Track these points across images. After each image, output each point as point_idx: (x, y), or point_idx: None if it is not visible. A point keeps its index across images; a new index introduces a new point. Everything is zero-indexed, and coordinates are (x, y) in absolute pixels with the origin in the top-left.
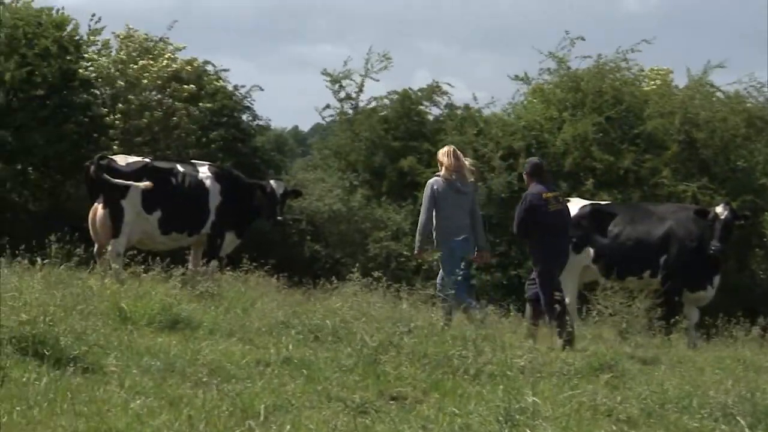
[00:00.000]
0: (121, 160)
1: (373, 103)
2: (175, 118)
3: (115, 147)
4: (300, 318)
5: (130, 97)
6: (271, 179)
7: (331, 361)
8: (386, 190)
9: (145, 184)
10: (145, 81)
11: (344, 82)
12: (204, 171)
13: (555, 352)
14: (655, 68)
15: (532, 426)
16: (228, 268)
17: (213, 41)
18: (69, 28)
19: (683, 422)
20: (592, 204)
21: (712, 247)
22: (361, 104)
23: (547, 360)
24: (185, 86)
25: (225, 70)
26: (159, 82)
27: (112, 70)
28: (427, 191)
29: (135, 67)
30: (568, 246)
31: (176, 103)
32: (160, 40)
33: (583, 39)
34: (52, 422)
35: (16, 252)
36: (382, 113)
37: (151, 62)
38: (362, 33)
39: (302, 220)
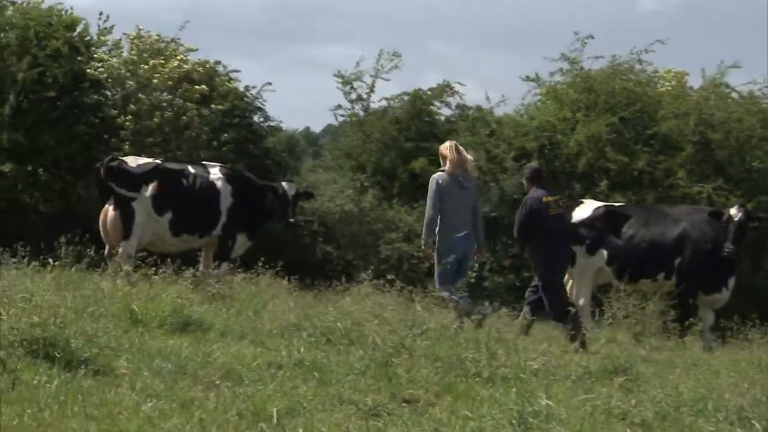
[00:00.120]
0: (132, 161)
1: (384, 104)
2: (185, 118)
3: (126, 148)
4: (312, 320)
5: (140, 96)
6: (283, 181)
7: (344, 364)
8: (397, 191)
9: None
10: (156, 81)
11: (355, 84)
12: (215, 172)
13: (569, 354)
14: (671, 69)
15: (546, 429)
16: (240, 270)
17: (223, 42)
18: (79, 28)
19: (698, 426)
20: (605, 205)
21: (726, 250)
22: (373, 105)
23: (560, 363)
24: (196, 87)
25: (236, 71)
26: (170, 82)
27: (123, 71)
28: (432, 186)
29: (146, 67)
30: (568, 250)
31: (187, 104)
32: (172, 41)
33: (592, 37)
34: (63, 425)
35: (27, 253)
36: (394, 114)
37: (162, 62)
38: (373, 33)
39: (314, 221)
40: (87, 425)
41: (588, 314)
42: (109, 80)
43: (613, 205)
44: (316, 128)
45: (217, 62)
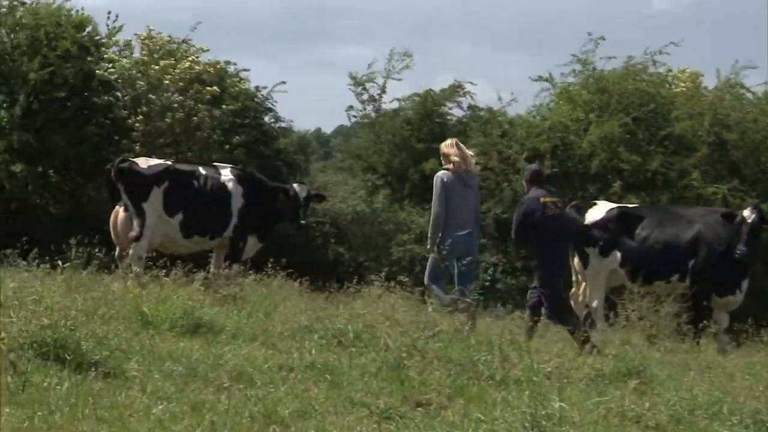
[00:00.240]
0: (143, 162)
1: (396, 105)
2: (195, 118)
3: (137, 149)
4: (323, 322)
5: (151, 96)
6: (295, 182)
7: (355, 366)
8: (408, 192)
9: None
10: (167, 82)
11: (367, 85)
12: (226, 173)
13: (582, 357)
14: (685, 70)
15: None
16: (250, 272)
17: (234, 42)
18: (88, 28)
19: (713, 429)
20: (619, 207)
21: (738, 252)
22: (384, 106)
23: (574, 365)
24: (207, 88)
25: (246, 70)
26: (181, 83)
27: (134, 72)
28: (437, 184)
29: (156, 68)
30: (566, 251)
31: (199, 105)
32: (183, 41)
33: (603, 39)
34: (74, 427)
35: (37, 255)
36: (405, 115)
37: (173, 63)
38: (386, 34)
39: (326, 222)
40: (98, 428)
41: (601, 316)
42: (119, 81)
43: (627, 207)
44: (328, 129)
45: (227, 62)
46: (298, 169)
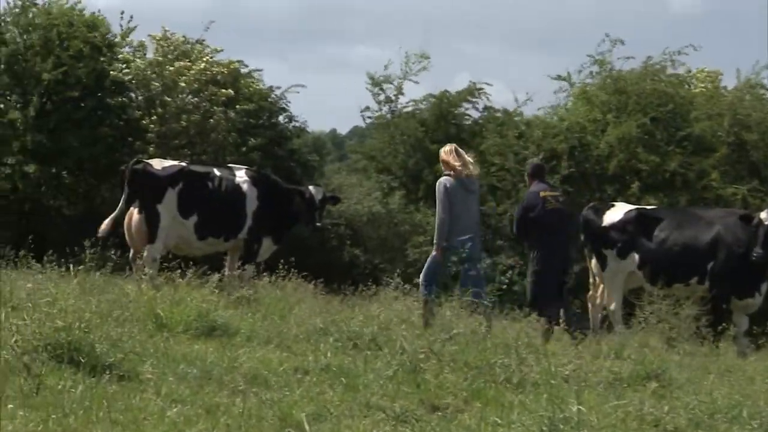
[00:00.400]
0: (157, 164)
1: (412, 106)
2: (212, 121)
3: (151, 150)
4: (338, 325)
5: (166, 99)
6: (310, 185)
7: (371, 369)
8: (423, 194)
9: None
10: (183, 84)
11: (384, 85)
12: (241, 175)
13: (599, 360)
14: (703, 69)
15: None
16: (265, 274)
17: (248, 42)
18: (101, 28)
19: None
20: (637, 208)
21: (754, 254)
22: (400, 107)
23: (592, 368)
24: (222, 90)
25: (258, 70)
26: (196, 85)
27: (148, 72)
28: (440, 190)
29: (171, 69)
30: (566, 246)
31: (214, 107)
32: (197, 42)
33: (622, 42)
34: (88, 430)
35: (51, 257)
36: (420, 116)
37: (188, 64)
38: (401, 34)
39: (341, 224)
40: (112, 431)
41: (619, 319)
42: (134, 81)
43: (645, 208)
44: (343, 130)
45: (239, 61)
46: (312, 169)
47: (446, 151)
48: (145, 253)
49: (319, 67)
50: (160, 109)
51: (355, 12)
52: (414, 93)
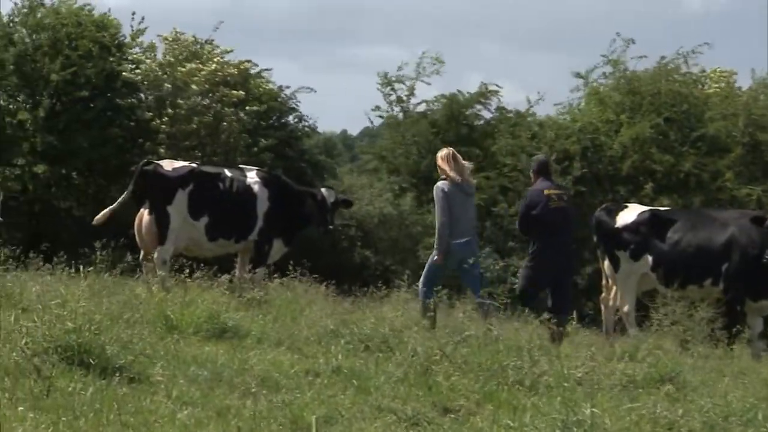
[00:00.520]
0: (168, 164)
1: (423, 107)
2: (225, 124)
3: (161, 151)
4: (350, 327)
5: (179, 101)
6: (323, 187)
7: (383, 372)
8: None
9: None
10: (194, 86)
11: (396, 86)
12: (252, 176)
13: (613, 363)
14: (717, 69)
15: None
16: (275, 276)
17: (258, 42)
18: (111, 29)
19: None
20: (650, 210)
21: (766, 257)
22: (412, 108)
23: (605, 371)
24: (234, 92)
25: (268, 69)
26: (207, 86)
27: (159, 73)
28: (438, 195)
29: (183, 70)
30: (570, 246)
31: (225, 108)
32: (206, 42)
33: (633, 42)
34: None
35: (61, 259)
36: (431, 117)
37: (200, 66)
38: (414, 34)
39: (352, 225)
40: None
41: (633, 321)
42: (145, 83)
43: (659, 210)
44: (354, 131)
45: (249, 61)
46: (323, 170)
47: (442, 157)
48: (155, 255)
49: (330, 67)
50: (170, 111)
51: (366, 12)
52: (425, 93)
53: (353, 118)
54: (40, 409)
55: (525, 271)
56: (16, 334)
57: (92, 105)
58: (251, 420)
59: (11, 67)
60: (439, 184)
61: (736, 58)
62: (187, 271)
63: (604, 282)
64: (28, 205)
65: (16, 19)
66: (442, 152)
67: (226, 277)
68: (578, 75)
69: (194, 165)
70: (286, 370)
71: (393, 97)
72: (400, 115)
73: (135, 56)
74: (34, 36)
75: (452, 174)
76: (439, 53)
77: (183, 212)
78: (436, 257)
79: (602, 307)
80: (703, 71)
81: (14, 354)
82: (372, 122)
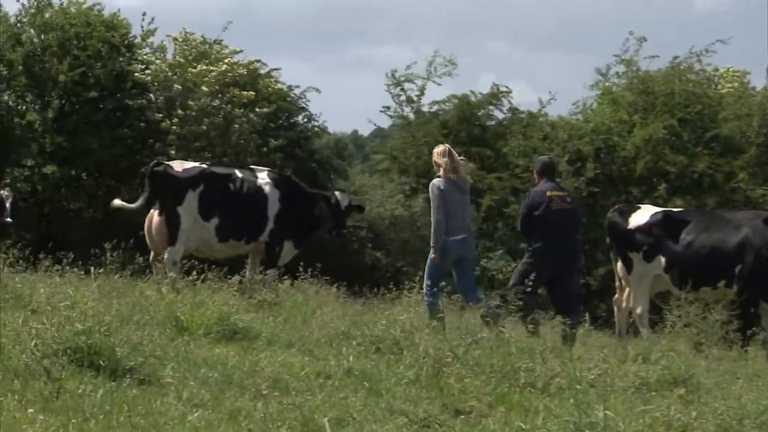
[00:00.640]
0: (178, 165)
1: (434, 108)
2: (236, 126)
3: (172, 153)
4: (361, 328)
5: (189, 102)
6: (336, 190)
7: (394, 374)
8: None
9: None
10: (205, 88)
11: (406, 86)
12: (263, 177)
13: (626, 365)
14: (729, 69)
15: None
16: (285, 277)
17: (268, 42)
18: (121, 29)
19: None
20: (663, 211)
21: None
22: (423, 108)
23: (618, 373)
24: (244, 92)
25: (277, 69)
26: (217, 87)
27: (169, 74)
28: (434, 192)
29: (193, 71)
30: (574, 248)
31: (235, 109)
32: (215, 42)
33: (645, 39)
34: None
35: (71, 260)
36: (442, 118)
37: (211, 67)
38: (425, 34)
39: (363, 227)
40: None
41: (646, 323)
42: (155, 83)
43: (672, 211)
44: (365, 131)
45: (258, 61)
46: (333, 170)
47: (438, 153)
48: (165, 256)
49: (341, 68)
50: (180, 112)
51: (376, 12)
52: (436, 93)
53: (364, 119)
54: (50, 411)
55: (521, 267)
56: (26, 335)
57: (101, 106)
58: (262, 422)
59: (20, 67)
60: (435, 181)
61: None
62: (195, 273)
63: (617, 283)
64: (37, 206)
65: (24, 20)
66: (438, 148)
67: (236, 278)
68: (600, 72)
69: (204, 166)
70: (297, 372)
71: (403, 98)
72: (411, 115)
73: (145, 57)
74: (42, 36)
75: (443, 167)
76: (453, 55)
77: (193, 213)
78: (433, 255)
79: (615, 309)
80: (716, 70)
81: (24, 356)
82: (375, 125)
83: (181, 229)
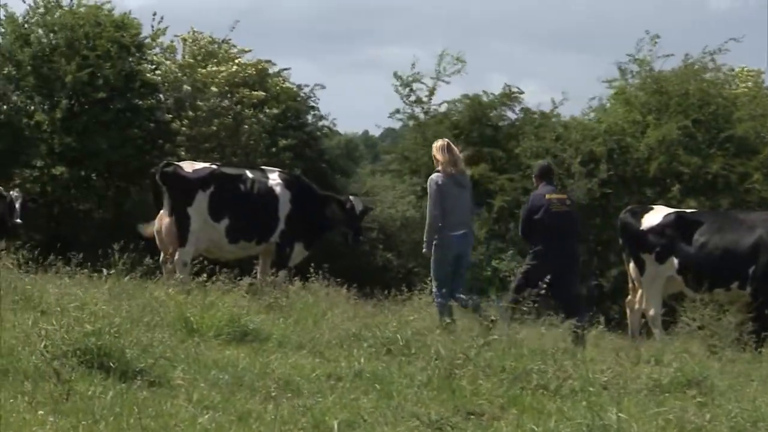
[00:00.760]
0: (188, 166)
1: (445, 107)
2: (246, 127)
3: (182, 153)
4: (372, 330)
5: (198, 103)
6: (351, 194)
7: (405, 376)
8: None
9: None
10: (215, 88)
11: (414, 86)
12: (274, 177)
13: (639, 366)
14: (744, 68)
15: None
16: (296, 278)
17: (275, 42)
18: (131, 29)
19: None
20: (676, 212)
21: None
22: (433, 108)
23: (631, 375)
24: (254, 92)
25: (286, 69)
26: (226, 87)
27: (179, 74)
28: (431, 187)
29: (203, 72)
30: (573, 249)
31: (245, 110)
32: (223, 41)
33: (658, 37)
34: None
35: (81, 261)
36: (453, 118)
37: (221, 68)
38: (436, 34)
39: (373, 228)
40: None
41: (659, 324)
42: (165, 84)
43: (684, 212)
44: (376, 132)
45: (267, 61)
46: (342, 170)
47: (437, 147)
48: (175, 257)
49: (351, 68)
50: (191, 113)
51: (385, 11)
52: (446, 93)
53: (374, 119)
54: (60, 412)
55: (524, 268)
56: (35, 337)
57: (111, 106)
58: (273, 424)
59: (28, 67)
60: (433, 176)
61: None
62: (206, 274)
63: (629, 285)
64: (46, 207)
65: (32, 20)
66: (438, 143)
67: (247, 280)
68: (620, 67)
69: (215, 166)
70: (307, 374)
71: (412, 98)
72: (421, 115)
73: (155, 58)
74: (50, 36)
75: (442, 161)
76: (461, 52)
77: (203, 214)
78: (425, 251)
79: (628, 311)
80: (732, 70)
81: (33, 357)
82: (378, 126)
83: (191, 230)
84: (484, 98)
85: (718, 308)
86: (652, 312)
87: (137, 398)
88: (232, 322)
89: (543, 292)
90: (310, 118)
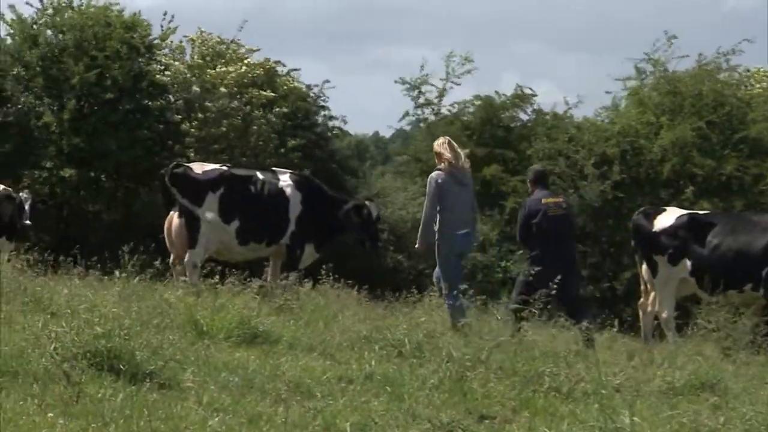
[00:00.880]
0: (198, 167)
1: (456, 108)
2: (255, 127)
3: (191, 155)
4: (383, 332)
5: (207, 104)
6: (366, 199)
7: (416, 378)
8: None
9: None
10: (224, 89)
11: (423, 88)
12: (285, 179)
13: (652, 369)
14: (759, 69)
15: None
16: (307, 280)
17: (287, 42)
18: (140, 30)
19: None
20: (689, 213)
21: None
22: (444, 109)
23: (644, 378)
24: (263, 92)
25: (296, 70)
26: (235, 88)
27: (188, 75)
28: (431, 185)
29: (212, 72)
30: (571, 253)
31: (254, 111)
32: (232, 41)
33: (675, 37)
34: None
35: (91, 263)
36: (464, 119)
37: (230, 69)
38: (447, 34)
39: (384, 229)
40: None
41: (672, 326)
42: (174, 85)
43: (698, 213)
44: (387, 133)
45: (277, 62)
46: (352, 171)
47: (439, 144)
48: (186, 259)
49: (361, 69)
50: (200, 114)
51: (395, 12)
52: (457, 92)
53: (385, 120)
54: (70, 415)
55: (524, 275)
56: (45, 339)
57: (119, 107)
58: (283, 427)
59: (37, 68)
60: (433, 174)
61: None
62: (216, 276)
63: (642, 287)
64: (56, 208)
65: (40, 21)
66: (438, 140)
67: (257, 282)
68: (636, 66)
69: (225, 168)
70: (318, 377)
71: (422, 100)
72: (432, 117)
73: (164, 59)
74: (59, 36)
75: (448, 156)
76: (470, 52)
77: (214, 215)
78: (417, 246)
79: (640, 313)
80: (747, 70)
81: (43, 360)
82: (390, 128)
83: (202, 232)
84: (496, 99)
85: (734, 311)
86: (665, 314)
87: (147, 401)
88: (243, 324)
89: (554, 293)
90: (320, 118)
